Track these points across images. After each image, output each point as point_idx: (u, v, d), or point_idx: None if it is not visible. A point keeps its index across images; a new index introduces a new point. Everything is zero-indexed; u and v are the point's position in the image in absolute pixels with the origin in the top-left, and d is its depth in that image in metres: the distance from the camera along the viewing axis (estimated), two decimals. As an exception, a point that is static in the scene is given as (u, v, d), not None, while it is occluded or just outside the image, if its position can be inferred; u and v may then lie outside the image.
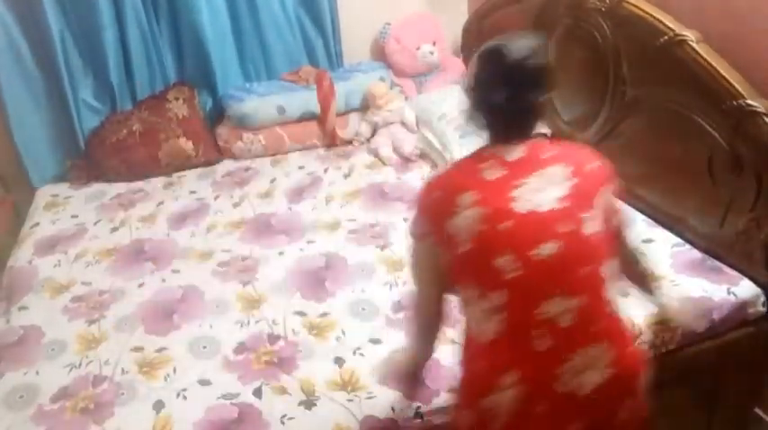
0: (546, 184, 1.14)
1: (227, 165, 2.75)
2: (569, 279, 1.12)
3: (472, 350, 1.19)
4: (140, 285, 2.05)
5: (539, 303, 1.11)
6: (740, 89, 1.74)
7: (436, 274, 1.23)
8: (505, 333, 1.12)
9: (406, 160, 2.65)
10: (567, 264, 1.12)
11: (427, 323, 1.33)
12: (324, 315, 1.88)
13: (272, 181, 2.59)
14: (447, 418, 1.40)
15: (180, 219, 2.39)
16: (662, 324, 1.71)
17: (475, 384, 1.18)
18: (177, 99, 2.72)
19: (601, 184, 1.20)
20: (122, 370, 1.74)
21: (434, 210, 1.18)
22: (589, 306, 1.13)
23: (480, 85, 1.18)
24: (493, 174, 1.15)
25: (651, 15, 1.95)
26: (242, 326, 1.86)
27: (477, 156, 1.20)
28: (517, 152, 1.17)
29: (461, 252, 1.13)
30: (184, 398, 1.64)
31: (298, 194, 2.48)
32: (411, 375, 1.41)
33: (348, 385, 1.64)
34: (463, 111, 1.24)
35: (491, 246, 1.12)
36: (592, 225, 1.14)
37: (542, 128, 1.30)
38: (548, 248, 1.10)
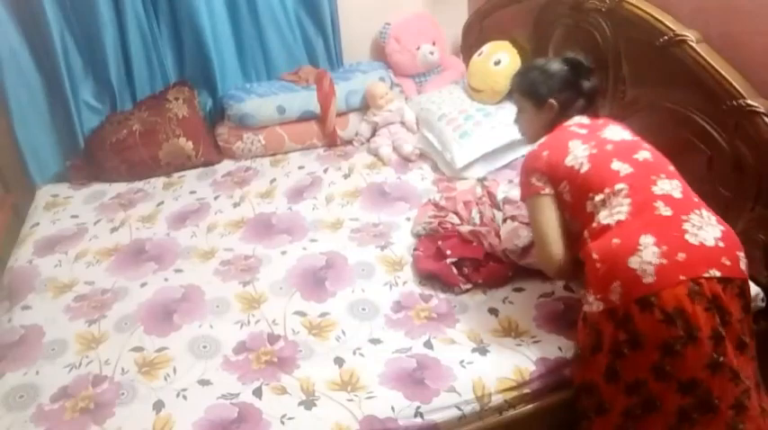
0: (616, 133, 1.67)
1: (227, 165, 2.74)
2: (665, 170, 1.57)
3: (608, 237, 1.48)
4: (142, 285, 2.05)
5: (653, 183, 1.52)
6: (740, 89, 1.75)
7: (558, 218, 1.62)
8: (635, 211, 1.48)
9: (406, 160, 2.64)
10: (659, 163, 1.60)
11: (565, 267, 1.62)
12: (324, 315, 1.89)
13: (272, 181, 2.59)
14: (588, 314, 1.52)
15: (180, 219, 2.39)
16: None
17: (618, 254, 1.44)
18: (177, 99, 2.72)
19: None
20: (122, 370, 1.74)
21: (547, 161, 1.63)
22: (686, 187, 1.55)
23: (570, 82, 1.76)
24: (580, 130, 1.69)
25: (651, 15, 1.96)
26: (242, 325, 1.86)
27: (562, 126, 1.72)
28: (586, 120, 1.74)
29: (584, 171, 1.57)
30: (184, 398, 1.64)
31: (298, 194, 2.48)
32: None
33: (348, 385, 1.64)
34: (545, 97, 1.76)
35: (605, 159, 1.58)
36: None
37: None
38: (643, 154, 1.60)
